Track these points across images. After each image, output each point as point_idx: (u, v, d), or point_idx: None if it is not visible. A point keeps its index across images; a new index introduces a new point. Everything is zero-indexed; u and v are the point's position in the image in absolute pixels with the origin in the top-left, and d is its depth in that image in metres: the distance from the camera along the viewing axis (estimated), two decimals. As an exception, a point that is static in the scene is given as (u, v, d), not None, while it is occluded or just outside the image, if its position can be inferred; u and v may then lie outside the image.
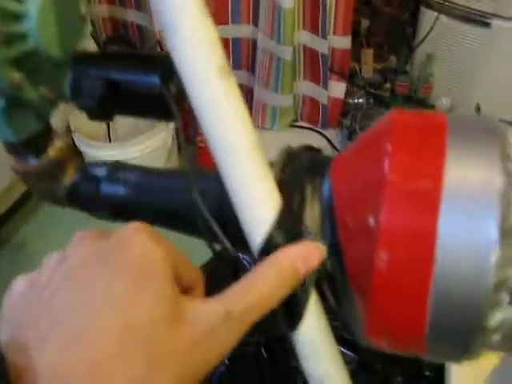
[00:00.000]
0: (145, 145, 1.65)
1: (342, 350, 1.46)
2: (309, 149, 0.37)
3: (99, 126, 1.73)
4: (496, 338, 0.29)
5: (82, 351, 0.24)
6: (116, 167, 0.41)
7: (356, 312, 0.31)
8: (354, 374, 1.31)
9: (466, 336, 0.29)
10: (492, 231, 0.27)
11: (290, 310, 0.31)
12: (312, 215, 0.32)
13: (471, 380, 0.59)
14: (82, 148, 1.68)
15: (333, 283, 0.32)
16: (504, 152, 0.29)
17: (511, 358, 0.48)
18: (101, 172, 0.41)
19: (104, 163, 0.42)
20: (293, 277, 0.30)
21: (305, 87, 1.97)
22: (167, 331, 0.26)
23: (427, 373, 1.43)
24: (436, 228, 0.27)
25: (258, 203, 0.31)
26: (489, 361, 0.55)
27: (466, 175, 0.28)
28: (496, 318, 0.28)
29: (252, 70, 1.99)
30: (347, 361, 1.32)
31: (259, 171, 0.31)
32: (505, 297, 0.28)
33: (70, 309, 0.26)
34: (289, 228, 0.31)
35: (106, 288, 0.26)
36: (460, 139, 0.29)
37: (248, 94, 2.04)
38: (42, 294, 0.27)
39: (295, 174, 0.33)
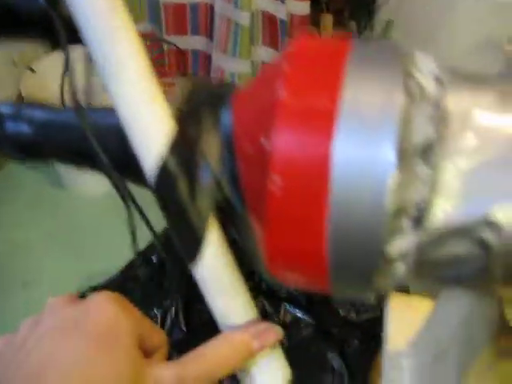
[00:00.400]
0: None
1: (299, 315, 1.47)
2: (220, 81, 0.35)
3: (52, 92, 1.68)
4: (400, 268, 0.28)
5: None
6: (22, 105, 0.39)
7: (257, 246, 0.30)
8: (310, 338, 1.33)
9: (368, 267, 0.28)
10: (389, 153, 0.25)
11: (187, 240, 0.30)
12: (211, 145, 0.30)
13: (407, 327, 0.59)
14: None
15: (234, 216, 0.31)
16: (406, 71, 0.27)
17: (445, 301, 0.47)
18: (5, 110, 0.38)
19: (10, 102, 0.39)
20: (245, 353, 0.33)
21: (263, 53, 1.94)
22: None
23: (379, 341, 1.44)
24: (330, 150, 0.25)
25: (149, 129, 0.29)
26: (425, 307, 0.54)
27: (364, 94, 0.26)
28: (397, 245, 0.27)
29: (210, 35, 1.95)
30: (304, 325, 1.33)
31: (149, 96, 0.29)
32: (406, 223, 0.27)
33: (42, 367, 0.28)
34: (184, 156, 0.29)
35: (74, 352, 0.29)
36: (362, 59, 0.28)
37: (206, 60, 2.01)
38: (17, 353, 0.30)
39: (196, 103, 0.31)
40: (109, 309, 0.31)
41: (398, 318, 0.62)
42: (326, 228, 0.26)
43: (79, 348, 0.29)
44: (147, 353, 0.33)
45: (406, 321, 0.61)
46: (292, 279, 0.30)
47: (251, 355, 0.34)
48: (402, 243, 0.27)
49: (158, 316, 1.44)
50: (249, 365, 0.35)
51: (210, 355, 0.32)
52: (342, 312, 1.49)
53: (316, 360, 1.40)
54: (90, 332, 0.30)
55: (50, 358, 0.29)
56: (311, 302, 1.49)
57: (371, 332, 1.45)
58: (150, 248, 1.59)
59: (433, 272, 0.29)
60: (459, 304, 0.42)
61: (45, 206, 1.85)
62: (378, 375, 0.64)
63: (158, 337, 0.35)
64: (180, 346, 1.40)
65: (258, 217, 0.28)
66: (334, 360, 1.39)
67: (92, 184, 1.86)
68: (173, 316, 1.46)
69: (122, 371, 0.29)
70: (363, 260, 0.27)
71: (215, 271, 0.31)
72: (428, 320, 0.52)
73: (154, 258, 1.55)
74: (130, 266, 1.58)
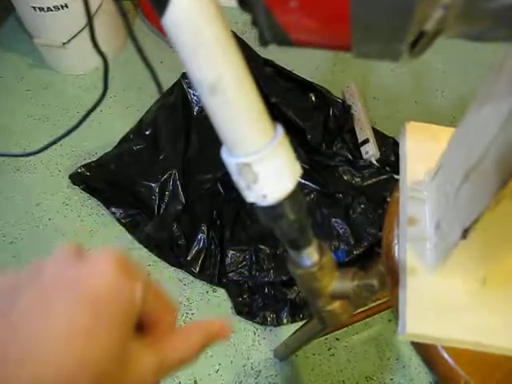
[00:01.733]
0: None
1: (301, 180, 1.42)
2: None
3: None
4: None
5: (30, 370, 0.24)
6: None
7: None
8: (314, 204, 1.24)
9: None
10: None
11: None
12: None
13: (425, 156, 0.52)
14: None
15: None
16: None
17: (478, 108, 0.40)
18: None
19: None
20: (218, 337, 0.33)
21: None
22: (114, 374, 0.27)
23: (389, 199, 1.40)
24: None
25: None
26: (445, 136, 0.47)
27: None
28: None
29: None
30: (307, 191, 1.24)
31: None
32: None
33: (31, 324, 0.26)
34: None
35: (68, 317, 0.26)
36: None
37: None
38: (9, 299, 0.27)
39: None
40: (112, 274, 0.28)
41: (416, 147, 0.55)
42: None
43: (73, 315, 0.26)
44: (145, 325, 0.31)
45: (424, 150, 0.54)
46: (303, 25, 0.23)
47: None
48: None
49: (157, 190, 1.40)
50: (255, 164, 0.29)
51: (186, 346, 0.32)
52: (346, 177, 1.44)
53: (321, 226, 1.37)
54: (88, 299, 0.27)
55: (41, 317, 0.26)
56: (314, 166, 1.43)
57: (376, 197, 1.41)
58: (142, 123, 1.52)
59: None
60: (499, 105, 0.35)
61: (28, 88, 1.75)
62: (394, 216, 0.58)
63: (164, 304, 0.32)
64: (181, 216, 1.36)
65: None
66: (340, 226, 1.35)
67: (75, 63, 1.75)
68: (171, 189, 1.41)
69: (111, 349, 0.26)
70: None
71: (190, 20, 0.24)
72: (456, 135, 0.45)
73: (148, 132, 1.48)
74: (123, 141, 1.52)
